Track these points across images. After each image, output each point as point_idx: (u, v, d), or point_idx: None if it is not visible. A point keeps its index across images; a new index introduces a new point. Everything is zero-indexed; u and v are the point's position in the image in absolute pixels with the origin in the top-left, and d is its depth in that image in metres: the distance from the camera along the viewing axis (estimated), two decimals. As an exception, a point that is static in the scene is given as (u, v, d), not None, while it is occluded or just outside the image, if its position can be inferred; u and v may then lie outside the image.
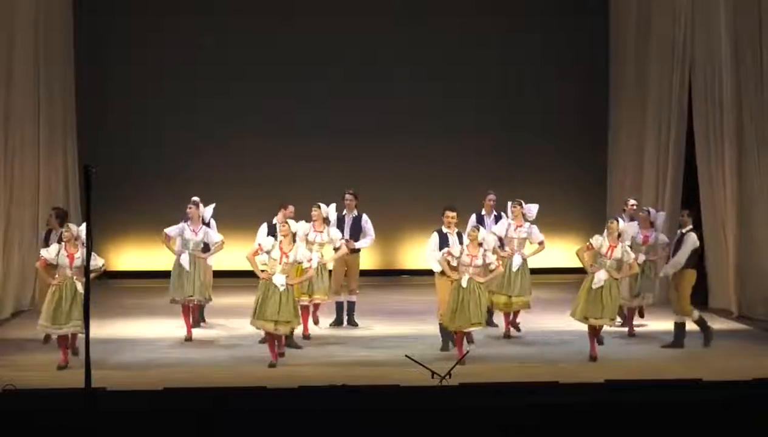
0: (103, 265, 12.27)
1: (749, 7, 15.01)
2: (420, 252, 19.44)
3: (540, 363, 12.16)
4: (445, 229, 12.87)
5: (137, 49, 19.50)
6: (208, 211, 14.05)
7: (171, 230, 13.89)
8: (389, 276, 19.85)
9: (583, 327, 13.75)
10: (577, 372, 11.21)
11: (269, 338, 12.25)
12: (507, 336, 13.88)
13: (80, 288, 11.83)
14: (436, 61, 19.82)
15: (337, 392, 9.06)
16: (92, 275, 11.80)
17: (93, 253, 12.04)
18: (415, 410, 8.41)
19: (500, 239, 13.91)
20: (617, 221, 12.71)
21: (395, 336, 13.76)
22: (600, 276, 12.38)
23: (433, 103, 19.84)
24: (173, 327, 14.32)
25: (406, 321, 15.02)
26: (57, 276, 12.00)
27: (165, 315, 15.05)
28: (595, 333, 12.58)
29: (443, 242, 12.76)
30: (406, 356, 10.73)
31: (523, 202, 14.13)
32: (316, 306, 14.09)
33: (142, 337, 13.62)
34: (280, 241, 12.24)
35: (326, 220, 13.91)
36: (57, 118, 17.54)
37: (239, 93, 19.63)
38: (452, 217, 12.82)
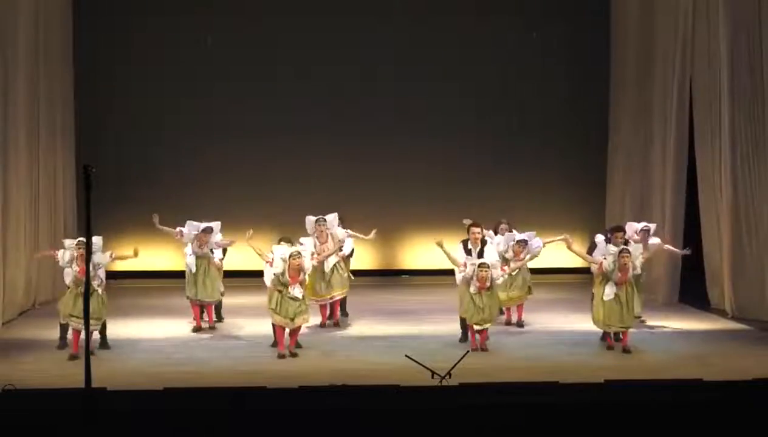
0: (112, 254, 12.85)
1: (748, 8, 14.94)
2: (420, 252, 19.56)
3: (540, 362, 12.15)
4: (470, 245, 13.43)
5: (137, 49, 19.51)
6: (217, 234, 14.34)
7: (185, 231, 14.19)
8: (389, 276, 19.85)
9: (582, 327, 13.80)
10: (577, 372, 11.20)
11: (281, 330, 12.56)
12: (509, 322, 14.46)
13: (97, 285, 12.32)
14: (436, 61, 19.82)
15: (337, 392, 9.06)
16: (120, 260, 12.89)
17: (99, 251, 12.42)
18: (415, 410, 8.42)
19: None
20: (629, 254, 12.70)
21: (395, 336, 13.75)
22: (609, 291, 12.69)
23: (433, 103, 19.85)
24: (173, 327, 14.34)
25: (406, 321, 15.02)
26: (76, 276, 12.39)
27: (165, 315, 15.07)
28: (619, 335, 12.91)
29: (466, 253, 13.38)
30: (406, 356, 10.73)
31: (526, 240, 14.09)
32: (336, 303, 14.57)
33: (142, 337, 13.62)
34: (289, 266, 12.56)
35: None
36: (57, 117, 17.55)
37: (239, 93, 19.64)
38: (477, 233, 13.37)
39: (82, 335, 11.91)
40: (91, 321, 11.66)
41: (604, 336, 13.04)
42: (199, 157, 19.47)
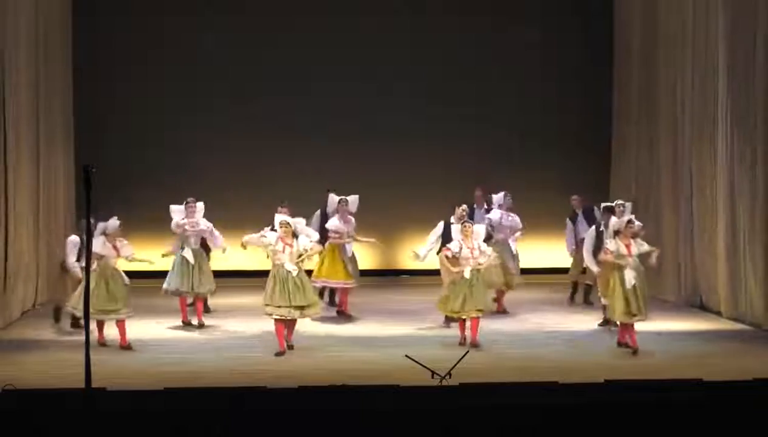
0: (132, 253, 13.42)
1: (745, 9, 14.89)
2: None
3: (540, 362, 12.16)
4: (453, 219, 14.27)
5: (137, 49, 19.51)
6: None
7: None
8: (389, 276, 19.84)
9: (583, 327, 13.82)
10: (577, 372, 11.21)
11: (281, 326, 12.68)
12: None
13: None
14: (435, 61, 19.83)
15: (337, 392, 9.05)
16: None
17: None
18: (415, 410, 8.41)
19: (492, 226, 15.40)
20: (634, 223, 12.99)
21: (395, 336, 13.75)
22: (630, 276, 12.61)
23: (433, 103, 19.84)
24: (173, 328, 14.35)
25: (406, 321, 15.01)
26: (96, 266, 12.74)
27: (165, 315, 15.05)
28: (632, 327, 12.78)
29: (446, 231, 14.11)
30: (406, 356, 10.72)
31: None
32: (344, 290, 15.34)
33: (143, 337, 13.62)
34: (282, 237, 12.79)
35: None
36: (57, 118, 17.54)
37: (239, 93, 19.63)
38: (462, 211, 14.35)
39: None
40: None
41: (622, 332, 12.85)
42: (199, 158, 19.45)
